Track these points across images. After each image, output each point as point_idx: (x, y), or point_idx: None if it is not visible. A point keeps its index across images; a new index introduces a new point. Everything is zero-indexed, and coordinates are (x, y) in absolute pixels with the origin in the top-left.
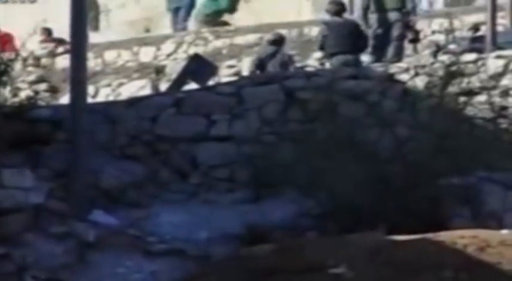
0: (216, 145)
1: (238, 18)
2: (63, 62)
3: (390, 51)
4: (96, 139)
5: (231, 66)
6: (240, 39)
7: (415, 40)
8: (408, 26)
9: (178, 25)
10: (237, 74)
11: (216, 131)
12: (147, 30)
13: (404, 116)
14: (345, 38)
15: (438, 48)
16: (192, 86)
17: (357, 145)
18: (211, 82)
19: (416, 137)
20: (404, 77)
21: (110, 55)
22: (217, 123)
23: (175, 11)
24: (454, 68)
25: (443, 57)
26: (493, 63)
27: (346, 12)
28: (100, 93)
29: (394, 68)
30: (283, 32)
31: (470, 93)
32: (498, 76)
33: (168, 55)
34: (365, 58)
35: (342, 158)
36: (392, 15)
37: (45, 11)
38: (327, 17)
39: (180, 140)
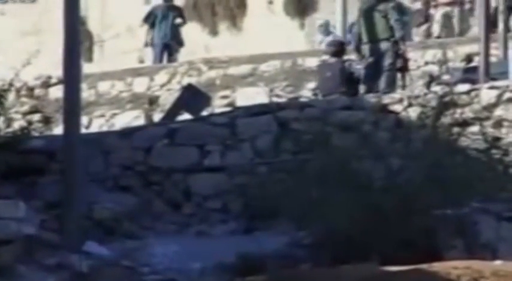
0: (209, 176)
1: (232, 48)
2: (57, 92)
3: (382, 81)
4: (89, 170)
5: (224, 97)
6: (233, 70)
7: (403, 68)
8: (398, 55)
9: (160, 62)
10: (231, 104)
11: (209, 161)
12: (141, 61)
13: (397, 147)
14: (333, 80)
15: (431, 79)
16: (186, 116)
17: (351, 176)
18: (204, 113)
19: (409, 167)
20: (397, 107)
21: (103, 86)
22: (210, 154)
23: (165, 47)
24: (447, 98)
25: (437, 88)
26: (486, 94)
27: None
28: (93, 123)
29: (387, 99)
30: (276, 62)
31: (464, 124)
32: (491, 107)
33: (162, 86)
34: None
35: (335, 189)
36: (383, 45)
37: (39, 42)
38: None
39: (173, 171)
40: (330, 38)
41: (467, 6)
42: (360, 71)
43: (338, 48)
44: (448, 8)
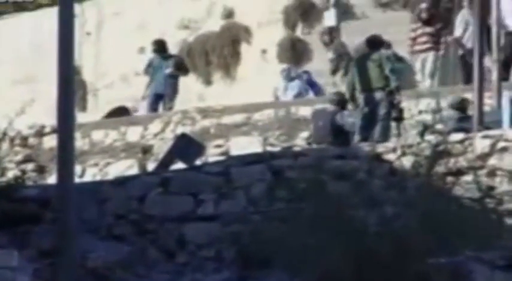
0: (203, 224)
1: (226, 97)
2: (51, 141)
3: (377, 130)
4: (83, 219)
5: (218, 146)
6: (227, 119)
7: (398, 118)
8: (393, 105)
9: (154, 111)
10: (225, 153)
11: (203, 210)
12: (135, 110)
13: (391, 195)
14: (324, 129)
15: (425, 128)
16: (180, 165)
17: (345, 224)
18: (198, 162)
19: (403, 216)
20: (391, 156)
21: (97, 135)
22: (204, 203)
23: (158, 98)
24: (441, 147)
25: (430, 137)
26: (480, 143)
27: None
28: (87, 172)
29: (381, 148)
30: (270, 111)
31: (458, 173)
32: (485, 156)
33: (156, 135)
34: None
35: (329, 237)
36: (378, 95)
37: (33, 91)
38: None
39: (167, 220)
40: (293, 84)
41: (441, 52)
42: (351, 123)
43: (339, 98)
44: (423, 55)
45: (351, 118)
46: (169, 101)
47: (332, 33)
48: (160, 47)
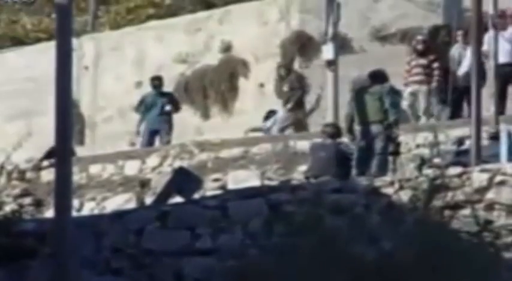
0: (201, 259)
1: (224, 131)
2: (48, 175)
3: (374, 164)
4: (81, 253)
5: (216, 180)
6: (225, 153)
7: (395, 153)
8: (390, 139)
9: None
10: (222, 187)
11: (200, 244)
12: (132, 144)
13: (389, 230)
14: (325, 162)
15: (423, 162)
16: (177, 199)
17: (343, 258)
18: (196, 196)
19: (401, 250)
20: (389, 190)
21: (94, 169)
22: (202, 237)
23: (153, 134)
24: (438, 181)
25: (428, 171)
26: (478, 177)
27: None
28: (85, 207)
29: (378, 182)
30: (268, 145)
31: (455, 206)
32: (483, 190)
33: (153, 168)
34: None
35: (327, 272)
36: (375, 128)
37: (30, 124)
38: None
39: (165, 254)
40: (270, 121)
41: (433, 84)
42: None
43: (335, 130)
44: (416, 86)
45: (353, 146)
46: (166, 136)
47: (288, 67)
48: (160, 82)
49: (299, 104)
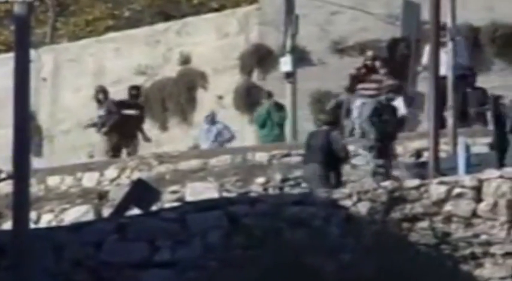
0: (160, 271)
1: (182, 143)
2: (6, 187)
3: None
4: (40, 265)
5: (174, 192)
6: (183, 165)
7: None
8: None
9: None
10: (181, 199)
11: (159, 257)
12: (91, 156)
13: (348, 242)
14: (315, 149)
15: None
16: (136, 211)
17: (302, 271)
18: (154, 208)
19: (360, 262)
20: (347, 202)
21: (53, 180)
22: (161, 249)
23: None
24: (397, 194)
25: (386, 183)
26: (436, 189)
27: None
28: (42, 219)
29: (337, 194)
30: (226, 157)
31: (413, 219)
32: (441, 202)
33: (112, 180)
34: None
35: None
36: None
37: None
38: None
39: (124, 266)
40: (214, 126)
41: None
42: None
43: (329, 118)
44: (364, 99)
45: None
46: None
47: (105, 92)
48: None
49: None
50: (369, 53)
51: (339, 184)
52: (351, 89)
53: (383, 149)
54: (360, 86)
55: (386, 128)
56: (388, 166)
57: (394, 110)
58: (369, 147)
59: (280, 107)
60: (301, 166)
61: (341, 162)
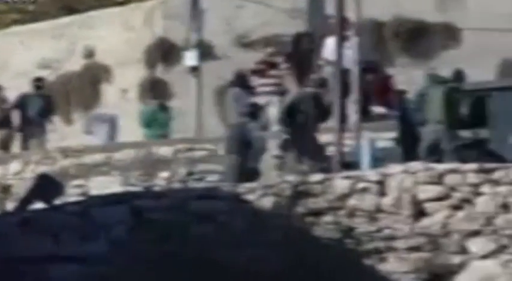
0: (65, 265)
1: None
2: None
3: None
4: None
5: (78, 186)
6: (87, 159)
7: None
8: None
9: None
10: (84, 193)
11: (64, 251)
12: None
13: (253, 236)
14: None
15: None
16: (40, 205)
17: (208, 265)
18: (58, 202)
19: (266, 256)
20: (252, 197)
21: None
22: (65, 243)
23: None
24: (301, 188)
25: (291, 177)
26: (340, 183)
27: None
28: None
29: (242, 188)
30: (131, 151)
31: (318, 213)
32: (345, 197)
33: (15, 174)
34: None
35: (193, 278)
36: None
37: None
38: None
39: (28, 260)
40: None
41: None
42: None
43: (252, 110)
44: (266, 97)
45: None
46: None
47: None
48: (42, 84)
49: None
50: (269, 49)
51: (256, 176)
52: (242, 84)
53: (296, 141)
54: (260, 81)
55: (303, 121)
56: (298, 159)
57: (318, 101)
58: (283, 140)
59: (165, 108)
60: (206, 159)
61: (258, 154)
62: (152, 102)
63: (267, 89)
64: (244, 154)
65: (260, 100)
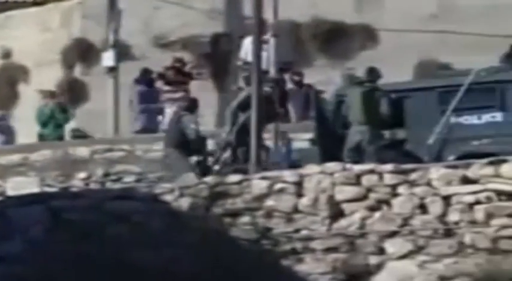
0: None
1: None
2: None
3: None
4: None
5: None
6: (3, 159)
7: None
8: None
9: None
10: (1, 194)
11: None
12: None
13: (170, 237)
14: (172, 133)
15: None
16: None
17: (125, 265)
18: None
19: (183, 257)
20: (169, 197)
21: None
22: None
23: None
24: (218, 189)
25: (208, 178)
26: (258, 184)
27: None
28: None
29: (159, 189)
30: (48, 152)
31: (235, 214)
32: (262, 197)
33: None
34: None
35: (110, 279)
36: None
37: None
38: None
39: None
40: None
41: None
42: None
43: (191, 104)
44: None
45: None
46: None
47: None
48: None
49: None
50: (177, 54)
51: (206, 169)
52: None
53: (241, 140)
54: (165, 88)
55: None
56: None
57: (269, 101)
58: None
59: (64, 109)
60: (123, 160)
61: (195, 146)
62: (51, 101)
63: (174, 96)
64: (183, 147)
65: (166, 108)
